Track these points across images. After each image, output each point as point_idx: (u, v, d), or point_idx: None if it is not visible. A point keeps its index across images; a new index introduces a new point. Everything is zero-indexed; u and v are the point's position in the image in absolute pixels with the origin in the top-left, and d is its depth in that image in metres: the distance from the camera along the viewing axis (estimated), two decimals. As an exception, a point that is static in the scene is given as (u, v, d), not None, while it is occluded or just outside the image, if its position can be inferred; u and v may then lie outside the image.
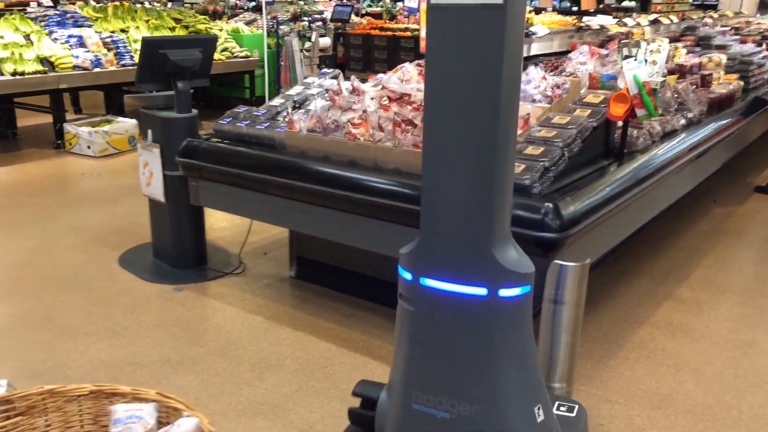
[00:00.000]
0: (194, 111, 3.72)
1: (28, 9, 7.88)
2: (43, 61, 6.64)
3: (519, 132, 2.86)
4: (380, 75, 3.67)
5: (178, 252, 3.88)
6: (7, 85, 6.32)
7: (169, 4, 10.89)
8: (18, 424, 1.29)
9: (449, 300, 1.75)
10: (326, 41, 8.11)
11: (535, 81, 3.16)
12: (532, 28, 6.72)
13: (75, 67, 6.79)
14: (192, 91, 3.74)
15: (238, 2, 11.90)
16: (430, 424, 1.82)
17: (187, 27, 8.28)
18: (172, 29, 8.10)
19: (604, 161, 3.06)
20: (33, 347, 3.07)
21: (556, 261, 2.38)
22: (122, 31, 7.74)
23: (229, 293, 3.63)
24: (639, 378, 2.89)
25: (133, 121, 6.78)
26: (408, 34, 8.50)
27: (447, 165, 1.69)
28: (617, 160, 3.09)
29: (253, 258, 4.09)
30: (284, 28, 8.60)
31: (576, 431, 1.99)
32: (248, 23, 9.39)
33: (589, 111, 2.95)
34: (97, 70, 6.89)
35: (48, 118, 7.09)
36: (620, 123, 3.07)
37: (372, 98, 3.21)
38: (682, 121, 3.72)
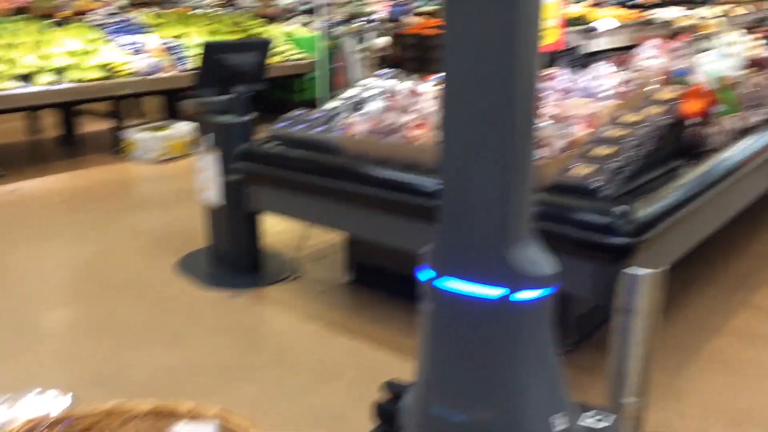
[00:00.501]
0: (253, 114, 3.70)
1: (92, 17, 8.09)
2: (105, 67, 6.79)
3: (587, 131, 2.73)
4: (436, 75, 3.58)
5: (234, 257, 3.87)
6: (70, 92, 6.48)
7: (225, 10, 11.03)
8: (77, 442, 1.26)
9: (465, 301, 1.71)
10: (384, 41, 8.05)
11: (603, 77, 3.02)
12: (593, 23, 6.51)
13: (135, 73, 6.93)
14: (250, 94, 3.73)
15: (288, 5, 11.95)
16: (447, 427, 1.79)
17: (244, 30, 8.36)
18: (229, 34, 8.18)
19: (677, 161, 2.89)
20: (95, 354, 3.10)
21: (628, 268, 2.25)
22: (179, 36, 7.85)
23: (286, 299, 3.60)
24: (716, 390, 2.71)
25: (191, 126, 6.86)
26: (463, 32, 8.36)
27: (461, 162, 1.65)
28: (691, 159, 2.91)
29: (309, 263, 4.05)
30: (339, 29, 8.58)
31: None
32: (303, 26, 9.42)
33: (662, 108, 2.79)
34: (156, 75, 7.01)
35: (109, 125, 7.25)
36: (694, 120, 2.89)
37: (433, 98, 3.12)
38: (759, 118, 3.51)
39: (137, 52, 7.21)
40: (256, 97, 3.79)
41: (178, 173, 6.28)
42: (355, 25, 8.37)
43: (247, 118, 3.65)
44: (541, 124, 2.78)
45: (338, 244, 4.23)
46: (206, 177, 3.78)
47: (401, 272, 3.54)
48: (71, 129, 7.56)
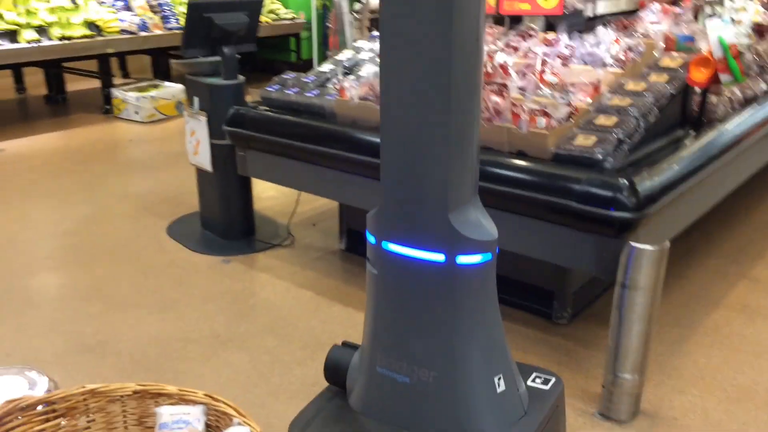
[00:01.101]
0: (241, 78, 3.58)
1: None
2: (90, 25, 6.59)
3: (589, 101, 2.64)
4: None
5: (225, 222, 3.79)
6: (55, 49, 6.30)
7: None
8: (59, 426, 1.20)
9: (409, 265, 1.72)
10: (378, 2, 7.83)
11: (605, 43, 2.92)
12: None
13: (122, 31, 6.73)
14: (239, 56, 3.60)
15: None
16: (392, 387, 1.82)
17: (232, -12, 8.13)
18: (218, -9, 7.96)
19: (681, 131, 2.82)
20: (84, 320, 3.04)
21: (631, 243, 2.19)
22: (168, -7, 7.63)
23: (278, 266, 3.54)
24: (715, 366, 2.69)
25: (180, 87, 6.71)
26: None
27: (402, 127, 1.65)
28: (695, 129, 2.84)
29: (302, 229, 3.98)
30: (332, -13, 8.36)
31: (546, 403, 1.90)
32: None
33: (666, 76, 2.70)
34: (143, 34, 6.82)
35: (97, 83, 7.07)
36: (700, 89, 2.81)
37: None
38: (764, 87, 3.42)
39: (124, 9, 7.00)
40: (247, 58, 3.67)
41: (167, 135, 6.16)
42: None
43: (236, 80, 3.53)
44: (540, 92, 2.69)
45: (331, 211, 4.15)
46: (195, 141, 3.67)
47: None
48: (57, 88, 7.38)
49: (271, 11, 7.87)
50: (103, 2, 6.98)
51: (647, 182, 2.31)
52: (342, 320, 3.02)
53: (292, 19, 7.96)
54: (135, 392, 1.28)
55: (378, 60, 3.33)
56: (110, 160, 5.44)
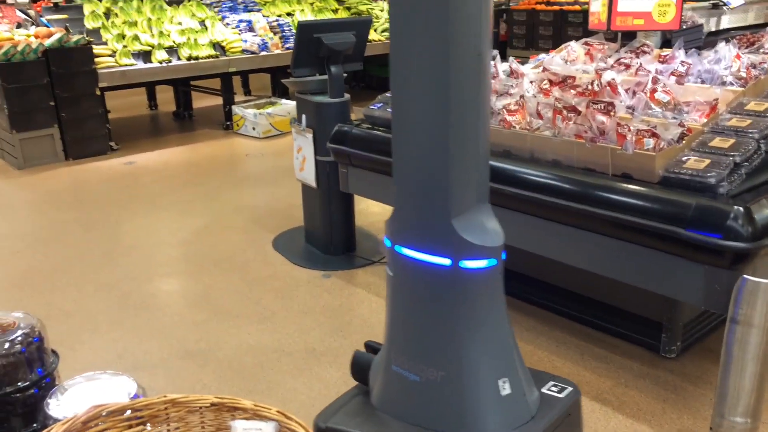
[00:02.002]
0: (347, 96, 3.65)
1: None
2: (216, 45, 6.99)
3: (704, 120, 2.47)
4: (542, 55, 3.38)
5: (327, 238, 3.87)
6: (183, 69, 6.73)
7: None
8: (140, 433, 1.27)
9: (419, 268, 1.82)
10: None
11: (726, 60, 2.72)
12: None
13: (244, 50, 7.08)
14: (346, 74, 3.68)
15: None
16: (403, 385, 1.91)
17: (349, 8, 8.35)
18: (335, 11, 8.20)
19: (810, 155, 2.57)
20: (189, 326, 3.19)
21: (744, 276, 2.02)
22: (288, 14, 7.95)
23: (377, 283, 3.56)
24: None
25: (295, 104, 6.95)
26: (576, 8, 7.96)
27: (410, 139, 1.77)
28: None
29: (402, 246, 3.99)
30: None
31: (555, 410, 1.93)
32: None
33: (793, 95, 2.48)
34: (263, 53, 7.14)
35: (220, 100, 7.47)
36: (834, 109, 2.55)
37: (531, 82, 2.94)
38: None
39: (247, 30, 7.36)
40: (361, 74, 3.73)
41: (281, 150, 6.39)
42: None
43: (342, 98, 3.60)
44: (650, 111, 2.55)
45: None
46: (301, 157, 3.78)
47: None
48: (185, 104, 7.87)
49: (386, 30, 8.01)
50: (228, 24, 7.38)
51: (765, 210, 2.12)
52: (435, 341, 2.98)
53: (406, 37, 8.06)
54: (212, 404, 1.32)
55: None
56: (227, 174, 5.72)
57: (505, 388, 1.84)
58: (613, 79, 2.78)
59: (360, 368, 2.10)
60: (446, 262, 1.77)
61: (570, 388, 2.01)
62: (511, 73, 3.10)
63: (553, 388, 2.01)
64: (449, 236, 1.75)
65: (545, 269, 3.14)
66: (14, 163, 5.96)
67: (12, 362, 1.52)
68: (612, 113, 2.54)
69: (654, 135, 2.36)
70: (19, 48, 5.74)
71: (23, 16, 7.72)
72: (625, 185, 2.39)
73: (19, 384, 1.53)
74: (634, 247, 2.37)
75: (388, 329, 1.96)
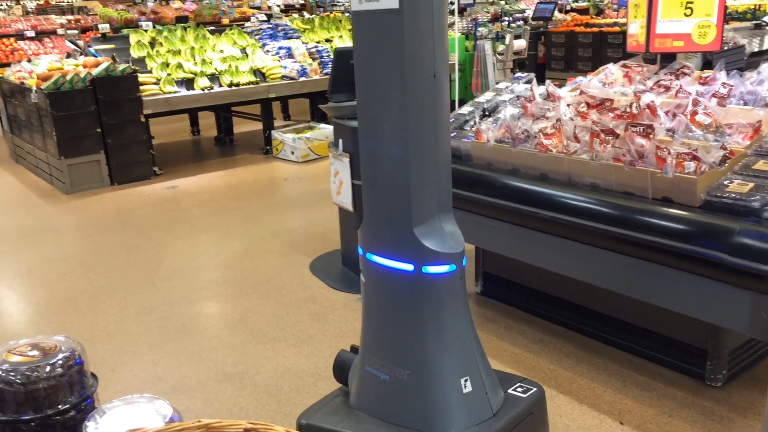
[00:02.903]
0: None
1: (246, 24, 8.54)
2: (256, 72, 7.13)
3: (747, 142, 2.41)
4: (579, 78, 3.36)
5: (364, 261, 3.87)
6: (224, 95, 6.88)
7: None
8: (174, 457, 1.28)
9: (386, 274, 1.99)
10: (521, 44, 7.76)
11: (769, 81, 2.66)
12: (766, 18, 5.83)
13: (283, 77, 7.21)
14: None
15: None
16: (376, 384, 2.07)
17: (387, 33, 8.43)
18: (373, 36, 8.29)
19: None
20: (227, 350, 3.22)
21: (792, 303, 1.95)
22: (327, 41, 8.07)
23: (413, 307, 3.54)
24: None
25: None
26: (616, 29, 7.91)
27: (374, 155, 1.95)
28: None
29: (438, 270, 3.97)
30: (482, 30, 8.42)
31: (518, 409, 2.07)
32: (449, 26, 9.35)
33: (842, 116, 2.41)
34: (302, 79, 7.25)
35: (260, 126, 7.60)
36: None
37: (568, 105, 2.92)
38: None
39: (286, 57, 7.50)
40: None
41: (319, 174, 6.45)
42: (498, 24, 8.15)
43: (379, 123, 3.62)
44: (691, 134, 2.50)
45: (468, 252, 4.10)
46: (338, 181, 3.81)
47: (531, 287, 3.37)
48: (226, 130, 8.03)
49: (423, 54, 8.08)
50: (268, 51, 7.53)
51: (814, 235, 2.05)
52: (472, 366, 2.95)
53: (443, 61, 8.10)
54: (246, 430, 1.33)
55: (517, 101, 3.28)
56: (266, 198, 5.79)
57: (467, 387, 1.99)
58: (653, 101, 2.74)
59: (341, 370, 2.26)
60: (410, 267, 1.92)
61: (534, 389, 2.15)
62: (548, 97, 3.08)
63: (519, 389, 2.15)
64: (412, 244, 1.90)
65: (586, 295, 3.08)
66: (62, 188, 6.14)
67: (53, 385, 1.55)
68: (651, 136, 2.50)
69: (695, 158, 2.32)
70: (68, 77, 5.95)
71: (72, 46, 8.02)
72: (666, 209, 2.34)
73: (60, 407, 1.56)
74: (676, 272, 2.32)
75: (363, 332, 2.12)
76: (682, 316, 2.41)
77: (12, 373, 1.55)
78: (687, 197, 2.32)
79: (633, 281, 2.49)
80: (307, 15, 10.46)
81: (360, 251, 2.06)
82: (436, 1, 1.80)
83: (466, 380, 1.98)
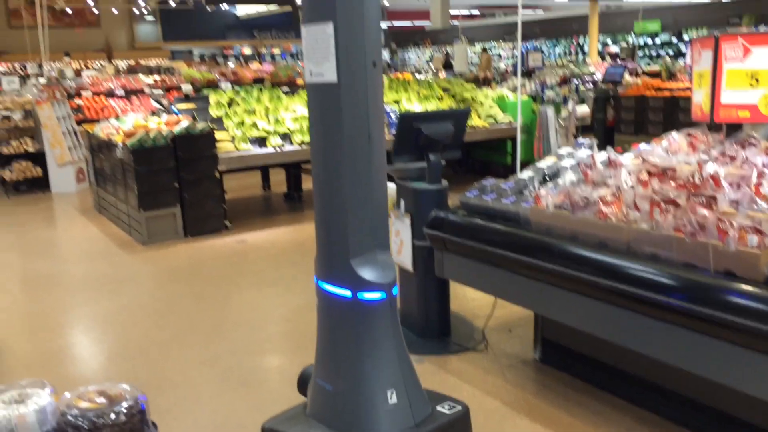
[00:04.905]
0: (445, 183, 3.76)
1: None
2: (326, 131, 7.37)
3: (814, 217, 2.35)
4: (642, 145, 3.35)
5: (423, 322, 3.90)
6: (295, 153, 7.13)
7: (442, 74, 11.47)
8: None
9: (329, 298, 2.40)
10: (584, 109, 7.74)
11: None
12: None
13: (352, 136, 7.42)
14: (444, 163, 3.80)
15: (507, 70, 12.11)
16: (323, 394, 2.44)
17: (454, 96, 8.60)
18: (440, 99, 8.47)
19: None
20: (284, 404, 3.24)
21: None
22: (395, 102, 8.30)
23: (469, 370, 3.53)
24: None
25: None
26: (688, 93, 7.81)
27: (321, 198, 2.39)
28: None
29: (496, 333, 3.95)
30: (549, 93, 8.49)
31: (439, 422, 2.41)
32: (512, 90, 9.46)
33: None
34: (370, 138, 7.44)
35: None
36: None
37: (629, 172, 2.92)
38: None
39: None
40: (465, 158, 3.83)
41: (383, 232, 6.55)
42: (565, 88, 8.19)
43: (439, 185, 3.71)
44: (756, 207, 2.46)
45: (528, 317, 4.07)
46: (399, 241, 3.88)
47: (591, 356, 3.30)
48: (295, 186, 8.29)
49: (490, 116, 8.17)
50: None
51: None
52: (527, 435, 2.90)
53: (509, 123, 8.18)
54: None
55: (578, 167, 3.30)
56: (330, 254, 5.91)
57: (393, 398, 2.32)
58: (716, 171, 2.71)
59: (304, 383, 2.63)
60: (347, 293, 2.30)
61: (459, 407, 2.51)
62: (609, 164, 3.09)
63: (445, 407, 2.50)
64: (349, 273, 2.28)
65: (649, 367, 3.00)
66: (139, 239, 6.46)
67: None
68: (714, 207, 2.47)
69: (758, 231, 2.27)
70: (151, 135, 6.33)
71: (157, 105, 8.54)
72: (729, 283, 2.29)
73: (121, 453, 1.66)
74: (741, 350, 2.24)
75: (316, 348, 2.50)
76: (754, 397, 2.32)
77: (80, 419, 1.65)
78: (750, 271, 2.27)
79: (696, 356, 2.42)
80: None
81: (315, 278, 2.45)
82: (371, 76, 2.21)
83: (392, 392, 2.32)
